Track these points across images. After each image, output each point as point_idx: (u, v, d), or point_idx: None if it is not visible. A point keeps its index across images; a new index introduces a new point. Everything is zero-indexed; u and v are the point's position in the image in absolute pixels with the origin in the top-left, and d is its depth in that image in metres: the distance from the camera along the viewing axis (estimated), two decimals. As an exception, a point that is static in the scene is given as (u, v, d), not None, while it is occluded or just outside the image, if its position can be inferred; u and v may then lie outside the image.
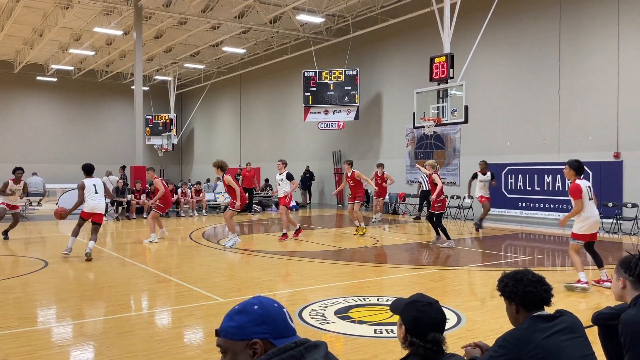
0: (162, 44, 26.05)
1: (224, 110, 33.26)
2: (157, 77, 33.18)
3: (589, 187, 7.02)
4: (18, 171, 12.17)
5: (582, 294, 6.73)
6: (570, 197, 6.98)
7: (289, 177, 11.94)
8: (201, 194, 19.59)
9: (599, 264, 7.10)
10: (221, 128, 33.62)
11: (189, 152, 37.44)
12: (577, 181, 6.90)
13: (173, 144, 30.90)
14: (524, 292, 2.51)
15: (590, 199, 6.94)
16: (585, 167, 13.32)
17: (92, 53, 27.00)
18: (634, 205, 13.37)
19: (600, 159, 14.41)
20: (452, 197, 18.11)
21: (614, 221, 13.62)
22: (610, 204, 13.94)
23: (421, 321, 2.08)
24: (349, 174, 12.90)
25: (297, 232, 12.14)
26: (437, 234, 11.52)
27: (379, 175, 16.48)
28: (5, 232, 12.16)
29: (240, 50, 25.74)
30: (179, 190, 19.24)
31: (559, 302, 6.14)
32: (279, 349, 1.40)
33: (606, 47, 14.35)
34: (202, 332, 5.31)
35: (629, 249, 3.01)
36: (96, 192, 9.63)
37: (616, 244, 11.85)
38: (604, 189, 14.27)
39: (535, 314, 2.50)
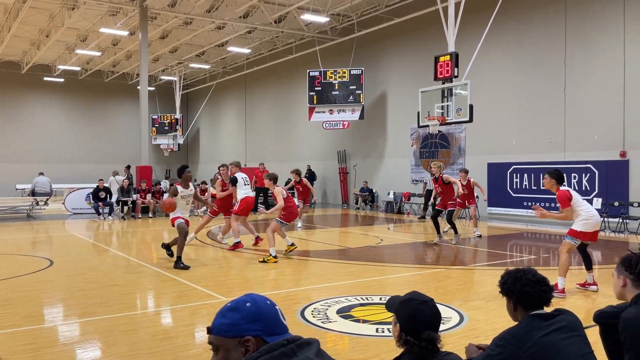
0: (167, 44, 26.13)
1: (229, 110, 33.34)
2: (162, 77, 33.30)
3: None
4: (187, 170, 9.08)
5: (584, 293, 6.69)
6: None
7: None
8: (206, 194, 19.63)
9: (589, 266, 6.88)
10: (226, 128, 33.71)
11: (195, 151, 37.55)
12: (562, 188, 6.73)
13: (179, 144, 31.02)
14: (521, 291, 2.52)
15: (583, 198, 6.76)
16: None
17: (99, 53, 27.13)
18: (640, 205, 13.29)
19: (606, 158, 14.33)
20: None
21: (620, 220, 13.54)
22: (616, 203, 13.87)
23: (415, 319, 2.08)
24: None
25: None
26: (455, 231, 11.49)
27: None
28: (179, 258, 8.55)
29: (246, 50, 25.79)
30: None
31: (560, 301, 6.11)
32: (271, 346, 1.41)
33: (612, 45, 14.26)
34: (205, 331, 5.32)
35: (631, 248, 3.00)
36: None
37: (622, 243, 11.78)
38: (610, 188, 14.20)
39: (533, 313, 2.49)
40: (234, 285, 7.45)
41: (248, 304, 1.53)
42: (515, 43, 16.73)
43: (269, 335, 1.48)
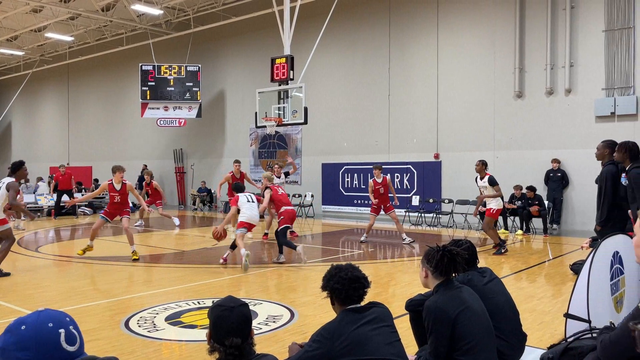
0: (-31, 23, 22.55)
1: (49, 103, 29.98)
2: (-37, 61, 28.70)
3: (250, 194, 9.04)
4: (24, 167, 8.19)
5: (399, 285, 7.32)
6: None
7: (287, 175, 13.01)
8: (18, 196, 17.34)
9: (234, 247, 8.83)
10: (46, 122, 30.26)
11: (5, 149, 33.04)
12: (237, 194, 8.97)
13: (-15, 140, 27.01)
14: (332, 288, 2.63)
15: (249, 201, 8.82)
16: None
17: None
18: (450, 201, 15.02)
19: (423, 159, 15.94)
20: (294, 195, 18.60)
21: (434, 215, 15.15)
22: (431, 200, 15.51)
23: (219, 327, 2.02)
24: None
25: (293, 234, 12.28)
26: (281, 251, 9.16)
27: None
28: None
29: (67, 38, 23.38)
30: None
31: (381, 293, 6.59)
32: None
33: (428, 60, 15.91)
34: None
35: (431, 243, 3.31)
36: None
37: (436, 235, 13.19)
38: (426, 186, 15.83)
39: (348, 308, 2.61)
40: (45, 298, 6.63)
41: (23, 327, 1.34)
42: (347, 50, 17.76)
43: None
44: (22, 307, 6.00)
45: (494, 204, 9.87)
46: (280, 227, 8.85)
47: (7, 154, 32.97)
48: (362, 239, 11.61)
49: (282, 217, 8.94)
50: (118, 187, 9.43)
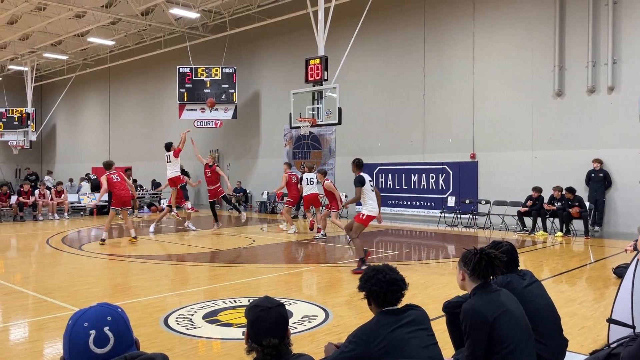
0: (17, 30, 23.48)
1: (91, 105, 30.96)
2: (11, 66, 29.87)
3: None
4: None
5: (435, 287, 7.25)
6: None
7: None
8: (62, 196, 18.01)
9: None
10: (88, 124, 31.25)
11: (51, 149, 34.29)
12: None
13: (31, 141, 28.10)
14: (370, 290, 2.63)
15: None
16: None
17: None
18: (487, 202, 14.75)
19: (459, 159, 15.72)
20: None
21: (471, 216, 14.92)
22: (467, 201, 15.27)
23: (257, 327, 2.05)
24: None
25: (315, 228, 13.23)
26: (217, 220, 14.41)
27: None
28: None
29: (109, 42, 24.10)
30: (37, 192, 17.52)
31: (417, 294, 6.55)
32: None
33: (464, 57, 15.67)
34: (52, 347, 4.83)
35: (468, 246, 3.28)
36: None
37: (472, 237, 12.99)
38: (463, 187, 15.60)
39: (385, 309, 2.61)
40: (90, 295, 6.86)
41: (70, 322, 1.40)
42: (381, 50, 17.68)
43: None
44: (67, 303, 6.23)
45: (365, 208, 8.15)
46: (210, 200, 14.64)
47: (51, 155, 34.20)
48: (318, 236, 12.22)
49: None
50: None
